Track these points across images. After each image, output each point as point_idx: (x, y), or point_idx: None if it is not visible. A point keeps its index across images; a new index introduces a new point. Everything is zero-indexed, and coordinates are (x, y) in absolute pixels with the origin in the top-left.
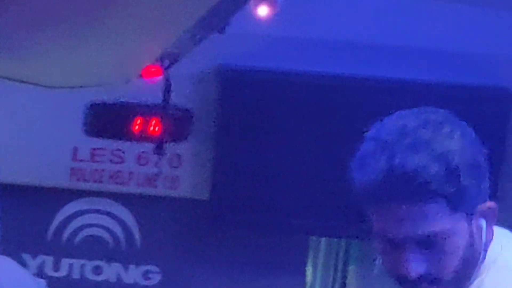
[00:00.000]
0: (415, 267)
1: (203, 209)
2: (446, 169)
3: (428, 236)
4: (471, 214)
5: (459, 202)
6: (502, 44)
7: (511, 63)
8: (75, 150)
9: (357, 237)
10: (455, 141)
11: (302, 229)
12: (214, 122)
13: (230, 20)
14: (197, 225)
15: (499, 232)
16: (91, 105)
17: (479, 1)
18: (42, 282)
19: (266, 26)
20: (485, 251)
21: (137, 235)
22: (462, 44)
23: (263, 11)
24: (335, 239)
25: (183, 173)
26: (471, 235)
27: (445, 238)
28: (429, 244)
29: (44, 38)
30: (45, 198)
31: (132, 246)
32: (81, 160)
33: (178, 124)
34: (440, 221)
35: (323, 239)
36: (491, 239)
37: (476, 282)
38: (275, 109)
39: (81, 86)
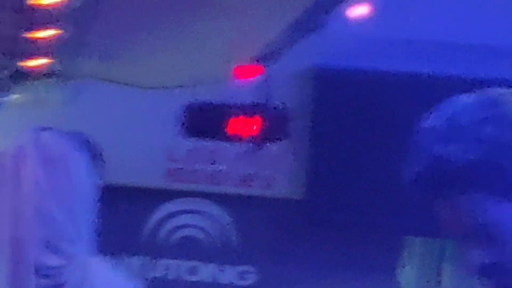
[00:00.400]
0: (476, 258)
1: (298, 209)
2: (485, 157)
3: (484, 228)
4: None
5: (505, 190)
6: None
7: None
8: (171, 150)
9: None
10: (503, 123)
11: (397, 228)
12: (309, 121)
13: (326, 20)
14: (292, 224)
15: None
16: (187, 106)
17: None
18: (138, 282)
19: (362, 26)
20: None
21: (232, 235)
22: None
23: (359, 11)
24: (430, 239)
25: (279, 173)
26: None
27: (504, 231)
28: (490, 237)
29: (141, 40)
30: (141, 199)
31: (227, 246)
32: (177, 161)
33: (276, 124)
34: (489, 212)
35: (417, 238)
36: None
37: None
38: (371, 109)
39: (177, 86)
